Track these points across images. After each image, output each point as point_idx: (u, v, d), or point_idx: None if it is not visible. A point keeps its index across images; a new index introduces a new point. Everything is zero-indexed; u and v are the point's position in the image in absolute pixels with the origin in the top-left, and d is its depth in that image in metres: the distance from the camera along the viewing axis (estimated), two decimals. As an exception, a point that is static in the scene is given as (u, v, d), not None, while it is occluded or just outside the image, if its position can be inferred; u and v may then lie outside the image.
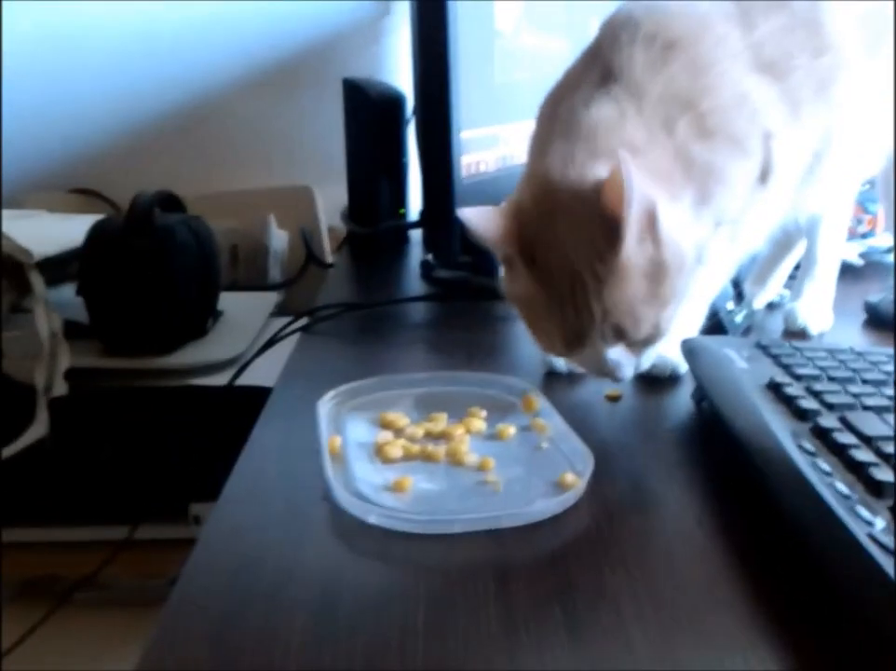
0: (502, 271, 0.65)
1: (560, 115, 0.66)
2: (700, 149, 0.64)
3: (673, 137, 0.63)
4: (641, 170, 0.58)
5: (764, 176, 0.68)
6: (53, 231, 1.20)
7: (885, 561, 0.35)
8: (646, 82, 0.64)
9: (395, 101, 1.27)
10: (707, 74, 0.65)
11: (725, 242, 0.68)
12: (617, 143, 0.61)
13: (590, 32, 0.71)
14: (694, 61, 0.65)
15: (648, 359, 0.63)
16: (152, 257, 1.06)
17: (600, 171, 0.60)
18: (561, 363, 0.70)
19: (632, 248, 0.57)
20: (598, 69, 0.66)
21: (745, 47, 0.67)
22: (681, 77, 0.65)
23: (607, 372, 0.62)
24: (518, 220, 0.61)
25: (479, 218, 0.61)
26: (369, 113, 1.24)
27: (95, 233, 1.09)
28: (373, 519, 0.47)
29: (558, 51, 1.04)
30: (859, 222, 1.05)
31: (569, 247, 0.59)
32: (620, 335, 0.60)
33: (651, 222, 0.58)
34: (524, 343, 0.78)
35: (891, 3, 0.75)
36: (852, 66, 0.71)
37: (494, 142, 0.99)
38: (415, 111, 1.06)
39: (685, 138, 0.63)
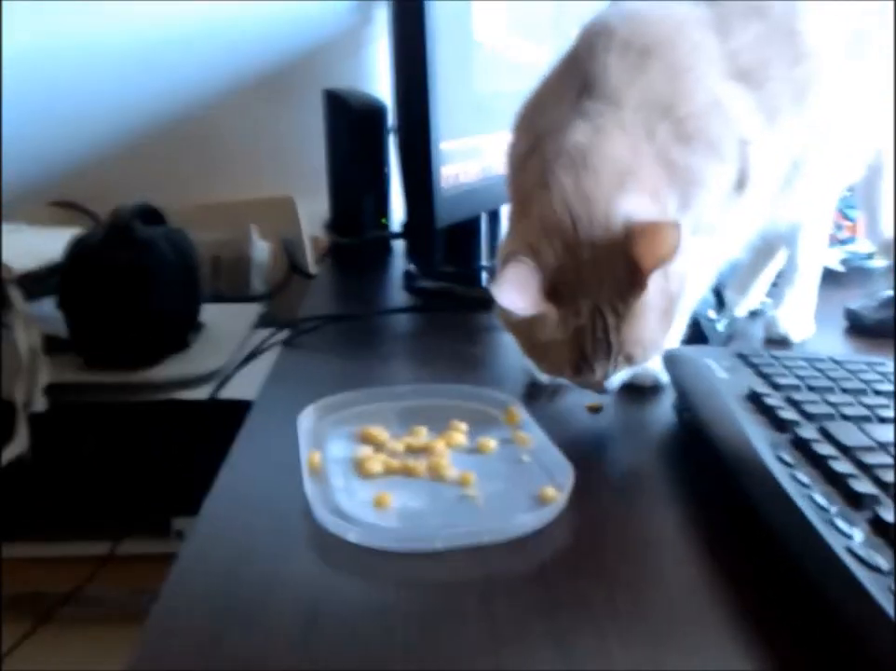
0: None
1: (543, 129, 0.65)
2: (679, 154, 0.64)
3: (654, 143, 0.64)
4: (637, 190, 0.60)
5: (740, 184, 0.68)
6: (33, 245, 1.19)
7: (862, 574, 0.35)
8: (624, 89, 0.64)
9: (376, 111, 1.27)
10: (683, 79, 0.66)
11: (703, 250, 0.68)
12: (618, 171, 0.61)
13: (570, 42, 0.71)
14: (670, 66, 0.66)
15: (631, 371, 0.64)
16: (132, 270, 1.06)
17: (624, 209, 0.59)
18: (544, 376, 0.70)
19: (651, 290, 0.58)
20: (576, 79, 0.66)
21: (721, 54, 0.67)
22: (658, 83, 0.65)
23: (595, 385, 0.63)
24: (540, 270, 0.59)
25: (514, 295, 0.58)
26: (350, 123, 1.24)
27: (75, 246, 1.08)
28: (352, 537, 0.47)
29: (538, 61, 1.05)
30: (839, 228, 1.05)
31: (593, 285, 0.59)
32: (629, 361, 0.61)
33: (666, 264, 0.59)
34: (507, 354, 0.78)
35: (871, 13, 0.75)
36: (831, 74, 0.72)
37: (475, 152, 0.99)
38: (395, 123, 1.06)
39: (665, 143, 0.64)
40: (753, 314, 0.91)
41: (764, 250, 0.89)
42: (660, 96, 0.65)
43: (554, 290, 0.59)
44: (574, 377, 0.62)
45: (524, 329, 0.62)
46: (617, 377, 0.63)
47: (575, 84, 0.66)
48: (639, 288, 0.58)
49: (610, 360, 0.60)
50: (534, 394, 0.69)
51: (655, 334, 0.61)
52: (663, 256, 0.57)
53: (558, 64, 0.70)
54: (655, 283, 0.58)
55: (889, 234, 0.87)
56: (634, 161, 0.62)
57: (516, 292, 0.58)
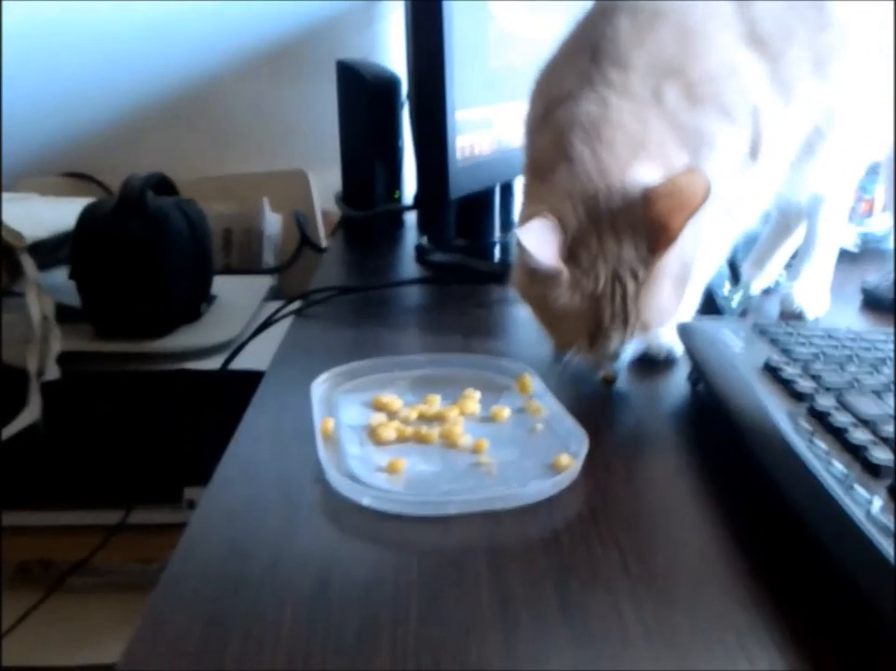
0: (519, 274, 0.64)
1: (557, 94, 0.65)
2: (690, 116, 0.64)
3: (664, 107, 0.63)
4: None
5: (753, 152, 0.68)
6: (45, 214, 1.19)
7: (882, 541, 0.35)
8: (633, 52, 0.64)
9: (389, 83, 1.26)
10: (695, 42, 0.65)
11: (717, 219, 0.67)
12: (631, 143, 0.61)
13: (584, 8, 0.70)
14: (682, 29, 0.65)
15: (639, 346, 0.64)
16: (144, 241, 1.06)
17: (639, 177, 0.59)
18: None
19: (669, 255, 0.58)
20: (588, 43, 0.66)
21: (738, 19, 0.67)
22: (668, 46, 0.64)
23: (607, 363, 0.63)
24: (563, 232, 0.59)
25: (537, 242, 0.58)
26: (363, 95, 1.23)
27: (87, 216, 1.08)
28: (366, 501, 0.47)
29: (552, 32, 1.03)
30: (856, 205, 1.04)
31: (614, 253, 0.59)
32: (644, 330, 0.61)
33: None
34: (519, 325, 0.78)
35: None
36: (857, 44, 0.71)
37: (488, 124, 0.98)
38: (410, 93, 1.05)
39: (676, 106, 0.63)
40: (768, 291, 0.90)
41: (782, 226, 0.88)
42: (671, 58, 0.64)
43: (573, 254, 0.59)
44: (589, 348, 0.62)
45: (540, 298, 0.62)
46: (627, 355, 0.63)
47: (586, 48, 0.65)
48: (665, 246, 0.57)
49: (627, 328, 0.60)
50: (546, 365, 0.68)
51: (670, 301, 0.61)
52: (694, 205, 0.56)
53: (572, 29, 0.70)
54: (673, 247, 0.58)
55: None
56: (645, 130, 0.62)
57: (539, 241, 0.58)
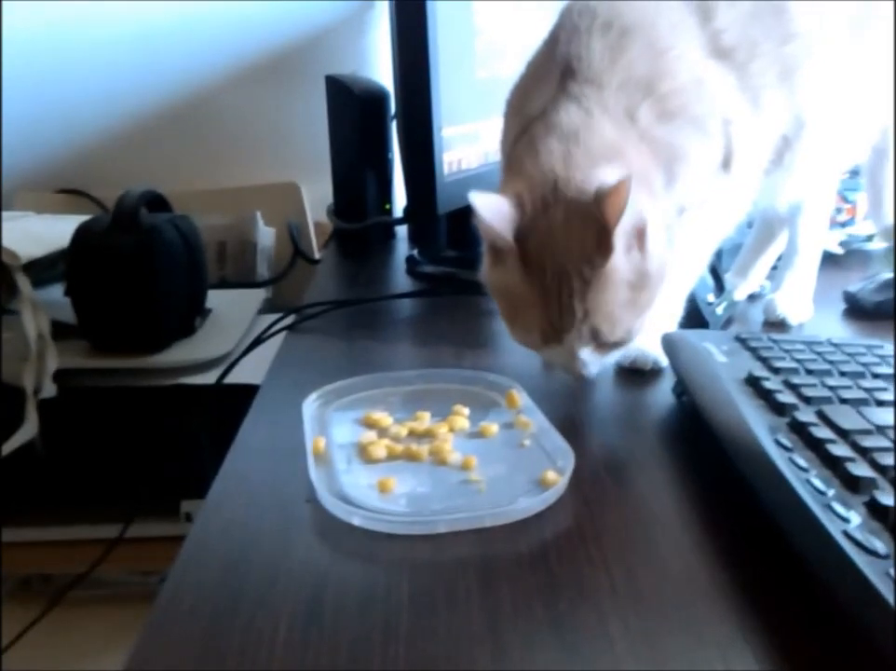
0: (485, 262, 0.66)
1: (531, 112, 0.66)
2: (662, 130, 0.65)
3: (638, 121, 0.64)
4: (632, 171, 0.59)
5: (726, 163, 0.69)
6: (40, 232, 1.19)
7: (859, 558, 0.35)
8: (605, 70, 0.65)
9: (378, 97, 1.27)
10: (663, 58, 0.66)
11: (694, 230, 0.69)
12: (603, 145, 0.62)
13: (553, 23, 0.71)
14: (650, 46, 0.66)
15: (614, 358, 0.65)
16: (138, 257, 1.06)
17: (600, 177, 0.60)
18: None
19: (620, 258, 0.59)
20: (560, 62, 0.67)
21: (702, 34, 0.68)
22: (639, 63, 0.66)
23: (573, 369, 0.63)
24: (520, 212, 0.61)
25: (490, 207, 0.60)
26: (352, 109, 1.24)
27: (81, 233, 1.09)
28: (357, 521, 0.48)
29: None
30: (839, 211, 1.05)
31: (562, 246, 0.60)
32: (595, 336, 0.61)
33: (641, 236, 0.60)
34: (509, 338, 0.79)
35: None
36: (824, 55, 0.72)
37: (475, 138, 0.99)
38: (397, 111, 1.06)
39: (648, 121, 0.65)
40: (753, 297, 0.91)
41: (765, 233, 0.89)
42: (642, 75, 0.66)
43: (525, 237, 0.60)
44: (541, 345, 0.63)
45: (501, 285, 0.64)
46: (595, 363, 0.63)
47: (559, 67, 0.67)
48: (605, 249, 0.58)
49: (574, 330, 0.61)
50: (535, 378, 0.70)
51: (623, 309, 0.61)
52: (621, 210, 0.57)
53: (542, 47, 0.71)
54: (626, 255, 0.59)
55: (890, 219, 0.87)
56: (620, 142, 0.63)
57: (493, 210, 0.60)
